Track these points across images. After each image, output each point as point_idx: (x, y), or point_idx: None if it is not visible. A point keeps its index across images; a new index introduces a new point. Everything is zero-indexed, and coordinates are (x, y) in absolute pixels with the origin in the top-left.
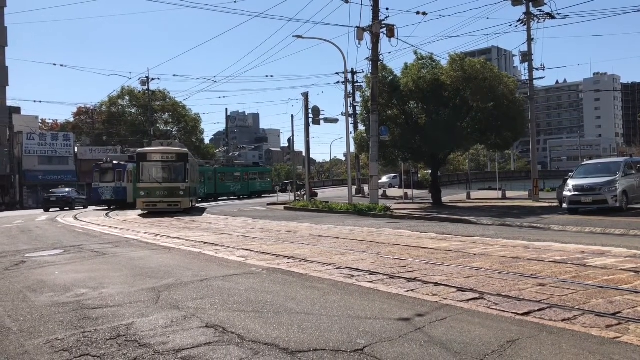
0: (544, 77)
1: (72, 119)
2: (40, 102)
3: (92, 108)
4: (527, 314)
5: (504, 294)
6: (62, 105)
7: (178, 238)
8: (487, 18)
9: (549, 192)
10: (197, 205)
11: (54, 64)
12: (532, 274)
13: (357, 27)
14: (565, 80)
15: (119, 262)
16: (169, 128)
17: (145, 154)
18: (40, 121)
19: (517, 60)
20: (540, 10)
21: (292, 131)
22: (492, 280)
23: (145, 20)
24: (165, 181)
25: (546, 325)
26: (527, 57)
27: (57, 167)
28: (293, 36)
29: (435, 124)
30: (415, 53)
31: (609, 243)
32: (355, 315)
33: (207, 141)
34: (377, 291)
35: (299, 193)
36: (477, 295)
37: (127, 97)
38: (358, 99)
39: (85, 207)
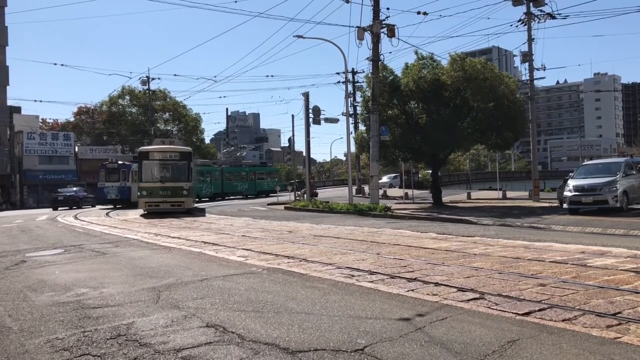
0: (544, 77)
1: (72, 119)
2: (41, 101)
3: (92, 108)
4: (527, 314)
5: (504, 294)
6: (63, 105)
7: (178, 238)
8: (488, 18)
9: (550, 192)
10: (199, 205)
11: (55, 64)
12: (532, 274)
13: (357, 27)
14: (565, 81)
15: (119, 261)
16: (169, 128)
17: (147, 152)
18: (40, 121)
19: (517, 61)
20: (541, 10)
21: (293, 131)
22: (492, 280)
23: (145, 20)
24: (168, 180)
25: (547, 326)
26: (527, 57)
27: (57, 166)
28: (294, 36)
29: (436, 124)
30: (416, 53)
31: (610, 243)
32: (356, 315)
33: (207, 141)
34: (377, 291)
35: (299, 193)
36: (477, 295)
37: (127, 97)
38: (358, 98)
39: (93, 206)
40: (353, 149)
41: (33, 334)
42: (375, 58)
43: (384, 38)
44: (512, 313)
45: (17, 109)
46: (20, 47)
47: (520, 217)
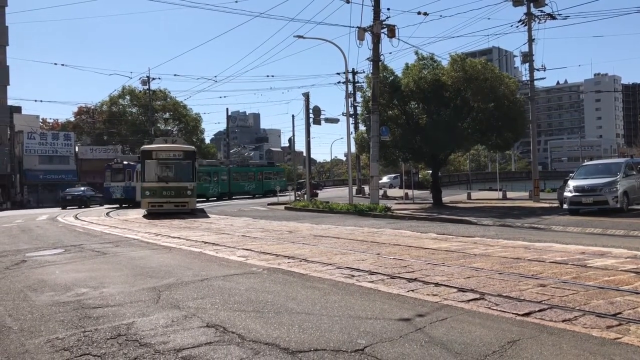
0: (544, 78)
1: (72, 119)
2: (41, 101)
3: (92, 107)
4: (527, 314)
5: (504, 294)
6: (63, 105)
7: (178, 238)
8: (488, 18)
9: (550, 192)
10: (206, 204)
11: (55, 64)
12: (532, 275)
13: (358, 27)
14: (566, 81)
15: (119, 261)
16: (169, 127)
17: (150, 151)
18: (41, 120)
19: (517, 61)
20: (541, 11)
21: (293, 131)
22: (492, 280)
23: (145, 20)
24: (172, 180)
25: (547, 326)
26: (528, 57)
27: (57, 166)
28: (294, 36)
29: (436, 124)
30: (416, 53)
31: (610, 244)
32: (356, 315)
33: (207, 141)
34: (377, 291)
35: (299, 193)
36: (477, 296)
37: (127, 97)
38: (359, 99)
39: (100, 205)
40: (353, 149)
41: (33, 333)
42: (376, 58)
43: (384, 38)
44: (513, 313)
45: (18, 109)
46: (21, 47)
47: (520, 218)
